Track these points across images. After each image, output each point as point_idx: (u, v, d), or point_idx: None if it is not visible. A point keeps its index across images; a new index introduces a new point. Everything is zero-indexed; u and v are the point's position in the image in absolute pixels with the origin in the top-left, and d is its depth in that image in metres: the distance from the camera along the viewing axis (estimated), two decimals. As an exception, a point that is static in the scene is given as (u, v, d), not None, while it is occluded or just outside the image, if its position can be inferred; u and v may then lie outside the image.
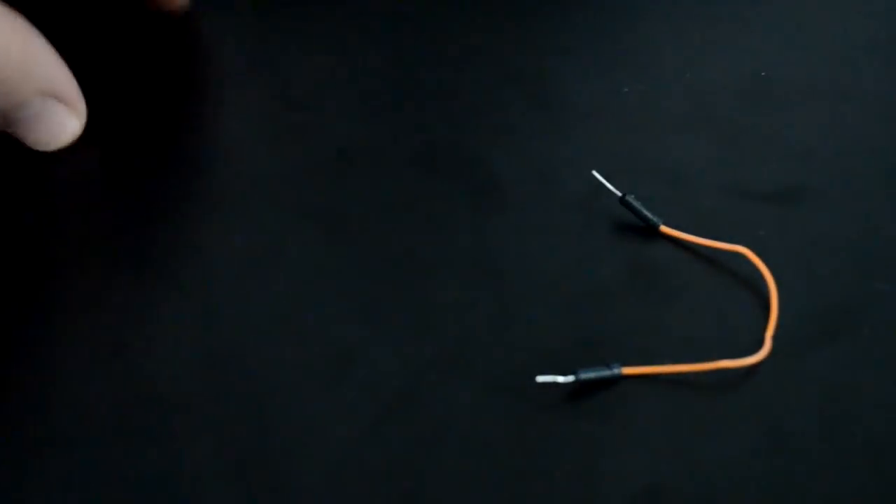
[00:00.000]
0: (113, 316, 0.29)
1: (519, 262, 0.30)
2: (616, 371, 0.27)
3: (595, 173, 0.30)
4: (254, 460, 0.26)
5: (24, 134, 0.32)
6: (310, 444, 0.27)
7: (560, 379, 0.26)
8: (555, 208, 0.31)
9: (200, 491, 0.26)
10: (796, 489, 0.26)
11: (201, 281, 0.30)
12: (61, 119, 0.32)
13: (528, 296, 0.29)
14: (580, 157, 0.33)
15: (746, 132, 0.33)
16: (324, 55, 0.37)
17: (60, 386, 0.28)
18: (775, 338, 0.28)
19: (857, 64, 0.35)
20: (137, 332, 0.29)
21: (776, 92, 0.34)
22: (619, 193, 0.30)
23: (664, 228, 0.30)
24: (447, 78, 0.36)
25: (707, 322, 0.29)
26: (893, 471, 0.26)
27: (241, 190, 0.32)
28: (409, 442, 0.27)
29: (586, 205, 0.31)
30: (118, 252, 0.31)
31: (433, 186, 0.32)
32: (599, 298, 0.29)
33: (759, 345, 0.28)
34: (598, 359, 0.28)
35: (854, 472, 0.26)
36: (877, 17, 0.37)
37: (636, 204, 0.30)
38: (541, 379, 0.26)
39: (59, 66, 0.32)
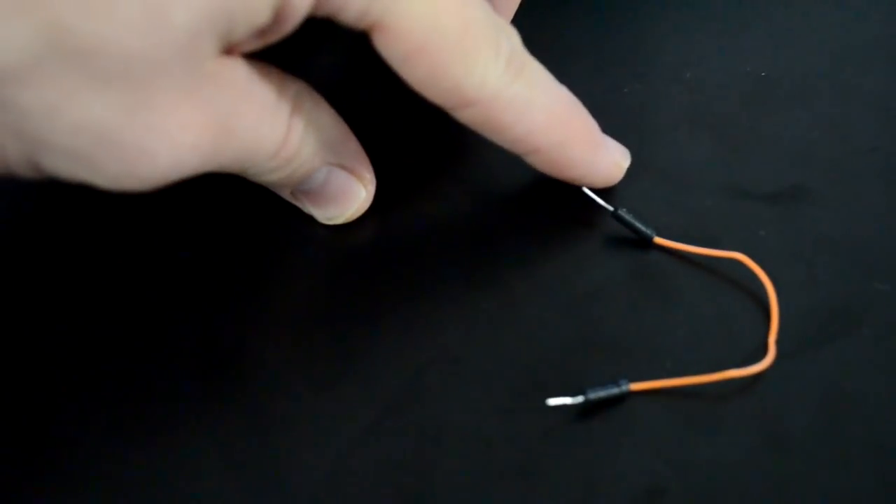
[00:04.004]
0: (114, 316, 0.29)
1: (519, 263, 0.30)
2: (624, 388, 0.27)
3: (585, 189, 0.30)
4: (254, 460, 0.26)
5: (311, 205, 0.30)
6: (310, 444, 0.27)
7: (569, 400, 0.26)
8: (555, 209, 0.31)
9: (201, 491, 0.26)
10: (798, 490, 0.26)
11: (201, 281, 0.30)
12: (348, 188, 0.30)
13: (529, 296, 0.29)
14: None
15: (746, 132, 0.33)
16: (322, 55, 0.37)
17: (61, 386, 0.28)
18: (777, 341, 0.28)
19: (857, 64, 0.35)
20: (137, 332, 0.29)
21: (776, 92, 0.34)
22: (610, 208, 0.30)
23: (658, 240, 0.30)
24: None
25: (708, 328, 0.29)
26: (894, 471, 0.26)
27: (240, 189, 0.31)
28: (409, 442, 0.27)
29: (587, 206, 0.31)
30: (119, 252, 0.31)
31: (433, 186, 0.32)
32: (599, 300, 0.29)
33: (761, 348, 0.28)
34: (598, 360, 0.28)
35: (856, 473, 0.26)
36: (877, 17, 0.36)
37: (628, 218, 0.30)
38: (552, 402, 0.26)
39: (345, 135, 0.30)
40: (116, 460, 0.26)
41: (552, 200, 0.31)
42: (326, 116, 0.29)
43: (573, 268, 0.30)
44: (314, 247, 0.31)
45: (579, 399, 0.26)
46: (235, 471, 0.26)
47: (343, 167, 0.30)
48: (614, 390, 0.27)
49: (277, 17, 0.25)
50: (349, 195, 0.30)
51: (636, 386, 0.27)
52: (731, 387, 0.27)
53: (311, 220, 0.31)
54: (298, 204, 0.31)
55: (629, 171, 0.31)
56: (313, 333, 0.29)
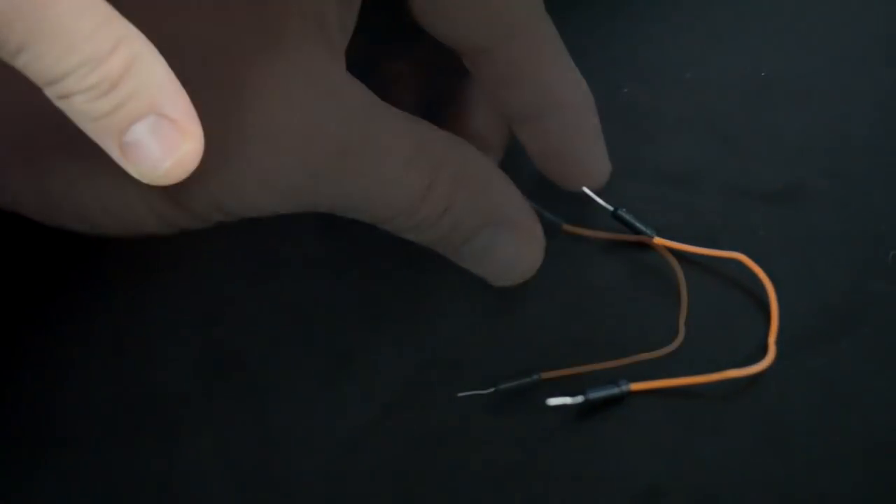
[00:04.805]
0: (114, 317, 0.29)
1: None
2: (624, 388, 0.27)
3: (585, 189, 0.30)
4: (254, 460, 0.26)
5: (136, 159, 0.29)
6: (310, 444, 0.27)
7: (569, 400, 0.26)
8: (555, 209, 0.31)
9: (200, 491, 0.26)
10: (798, 490, 0.26)
11: (201, 281, 0.30)
12: (171, 139, 0.27)
13: (529, 296, 0.29)
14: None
15: (746, 132, 0.33)
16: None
17: (61, 386, 0.28)
18: (777, 341, 0.28)
19: (857, 64, 0.35)
20: (138, 332, 0.29)
21: (776, 92, 0.34)
22: (610, 208, 0.30)
23: (658, 240, 0.30)
24: (447, 78, 0.36)
25: (708, 328, 0.29)
26: (894, 471, 0.26)
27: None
28: (409, 442, 0.27)
29: (587, 206, 0.31)
30: (118, 252, 0.31)
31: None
32: (599, 300, 0.29)
33: (761, 349, 0.28)
34: (598, 360, 0.28)
35: (856, 473, 0.26)
36: (877, 17, 0.37)
37: (628, 217, 0.30)
38: (552, 402, 0.26)
39: (177, 88, 0.27)
40: (117, 461, 0.26)
41: (552, 200, 0.31)
42: (159, 65, 0.28)
43: (573, 268, 0.30)
44: (314, 246, 0.31)
45: (579, 399, 0.26)
46: (235, 471, 0.26)
47: (168, 118, 0.29)
48: (614, 390, 0.27)
49: None
50: (171, 147, 0.29)
51: (636, 386, 0.27)
52: (731, 387, 0.27)
53: (312, 219, 0.31)
54: (128, 164, 0.30)
55: (629, 171, 0.31)
56: (313, 333, 0.29)
